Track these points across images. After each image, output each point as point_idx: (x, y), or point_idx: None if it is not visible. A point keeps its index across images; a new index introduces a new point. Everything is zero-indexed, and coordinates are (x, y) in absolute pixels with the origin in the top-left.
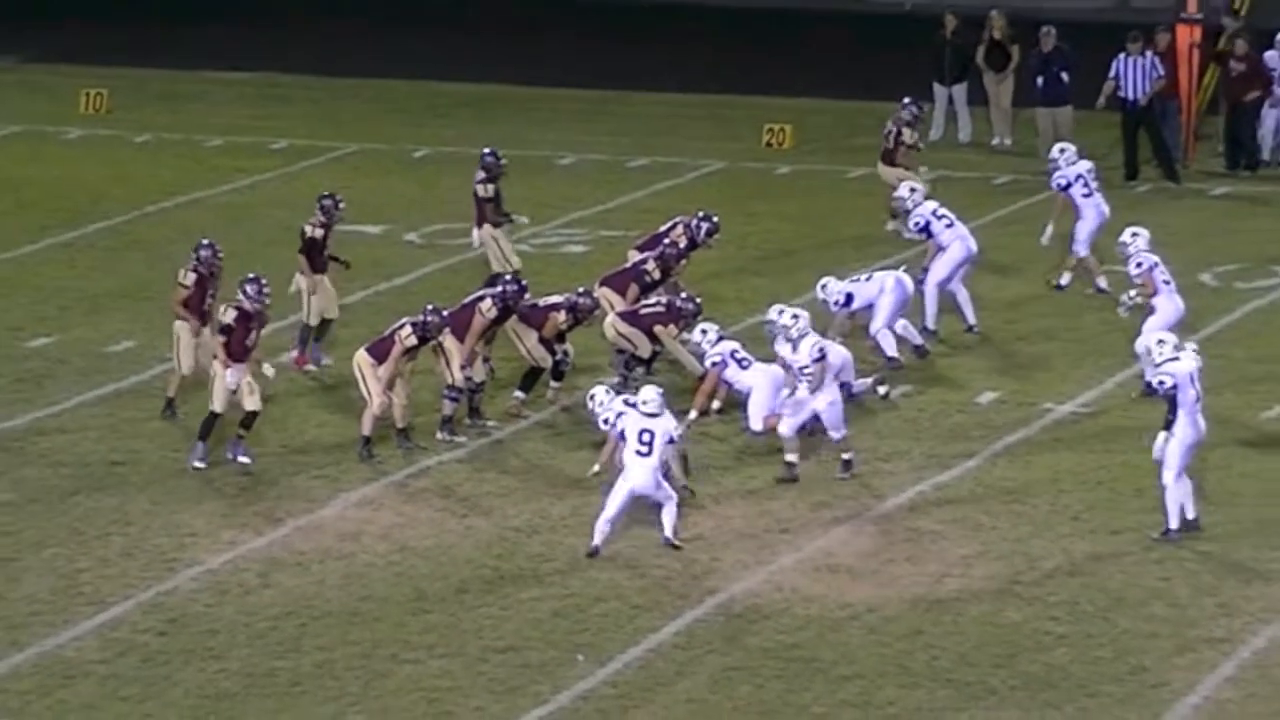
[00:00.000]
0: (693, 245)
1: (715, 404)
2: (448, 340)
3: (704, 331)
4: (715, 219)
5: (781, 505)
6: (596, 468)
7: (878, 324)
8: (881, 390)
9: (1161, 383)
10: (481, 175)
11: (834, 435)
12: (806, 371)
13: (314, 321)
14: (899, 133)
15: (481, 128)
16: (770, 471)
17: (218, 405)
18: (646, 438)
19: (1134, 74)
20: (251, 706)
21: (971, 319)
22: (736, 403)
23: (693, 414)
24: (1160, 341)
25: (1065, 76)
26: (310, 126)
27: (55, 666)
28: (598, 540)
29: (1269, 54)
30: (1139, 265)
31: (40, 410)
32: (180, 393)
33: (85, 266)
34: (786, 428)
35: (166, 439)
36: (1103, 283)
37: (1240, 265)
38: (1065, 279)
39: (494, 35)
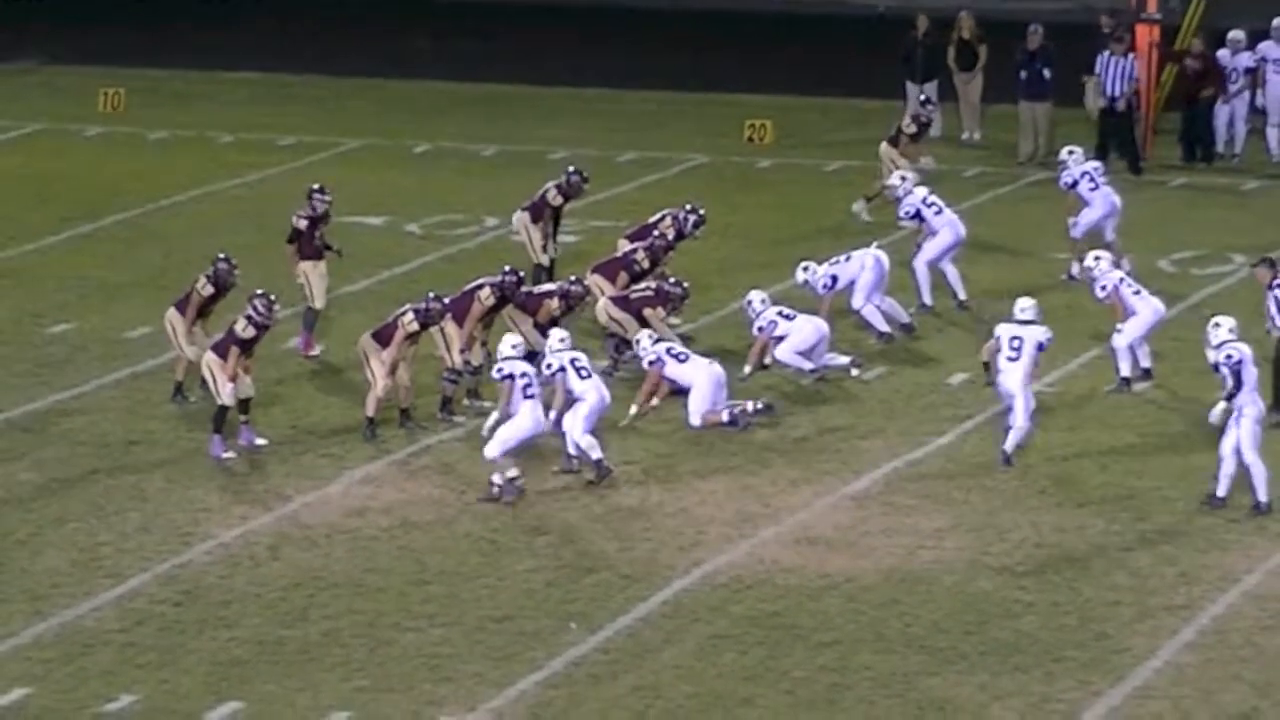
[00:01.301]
0: (680, 236)
1: (654, 400)
2: (448, 326)
3: (638, 341)
4: (702, 212)
5: (762, 481)
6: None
7: (860, 300)
8: (855, 372)
9: (1229, 356)
10: (563, 186)
11: (489, 454)
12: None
13: (320, 305)
14: (904, 121)
15: (479, 125)
16: (746, 450)
17: (225, 399)
18: (1016, 344)
19: (1114, 73)
20: (262, 673)
21: (962, 295)
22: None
23: (633, 409)
24: (1215, 324)
25: (1048, 74)
26: (316, 123)
27: (76, 635)
28: (1009, 447)
29: (1220, 53)
30: (1103, 289)
31: (61, 393)
32: (188, 376)
33: (104, 257)
34: (495, 449)
35: (180, 420)
36: (1075, 271)
37: (1197, 253)
38: (1075, 270)
39: (492, 37)
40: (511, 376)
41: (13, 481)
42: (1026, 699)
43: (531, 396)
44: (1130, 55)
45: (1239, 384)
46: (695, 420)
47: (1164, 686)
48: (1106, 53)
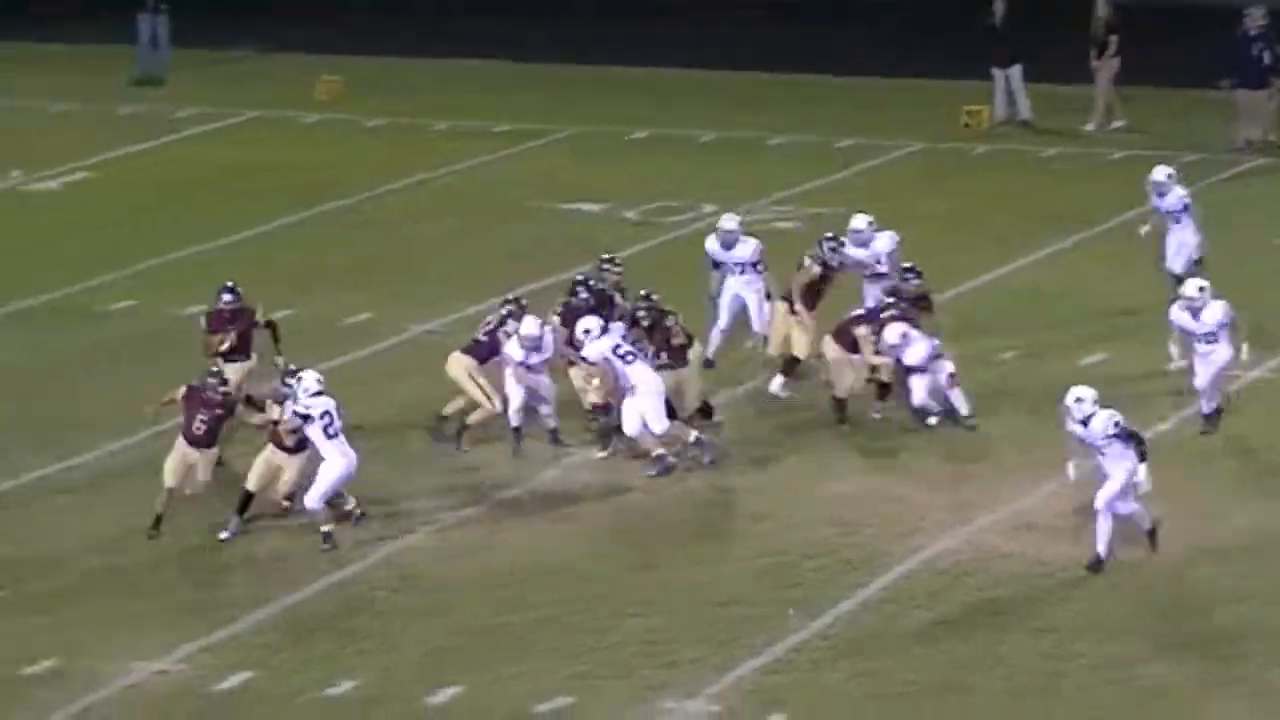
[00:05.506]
0: (827, 267)
1: (595, 398)
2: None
3: (587, 331)
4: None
5: (981, 468)
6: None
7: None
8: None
9: (1117, 424)
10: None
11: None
12: None
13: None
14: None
15: (696, 110)
16: (966, 438)
17: (251, 485)
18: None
19: None
20: (481, 659)
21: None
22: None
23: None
24: (1079, 400)
25: (1267, 58)
26: (533, 110)
27: (297, 621)
28: None
29: None
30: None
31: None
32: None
33: (321, 244)
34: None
35: (401, 409)
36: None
37: None
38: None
39: (710, 25)
40: (309, 419)
41: None
42: (1250, 686)
43: (334, 436)
44: None
45: (1138, 440)
46: (658, 429)
47: None
48: None
